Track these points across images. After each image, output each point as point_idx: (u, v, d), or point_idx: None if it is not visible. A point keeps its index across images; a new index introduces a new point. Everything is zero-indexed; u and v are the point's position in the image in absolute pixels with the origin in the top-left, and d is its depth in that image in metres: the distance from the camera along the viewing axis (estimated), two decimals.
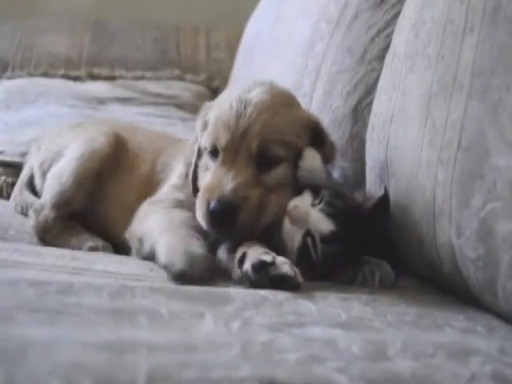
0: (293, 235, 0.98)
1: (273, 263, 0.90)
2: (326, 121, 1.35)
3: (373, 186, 1.18)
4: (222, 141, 1.02)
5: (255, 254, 0.93)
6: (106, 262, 0.99)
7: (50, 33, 2.58)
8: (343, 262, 0.97)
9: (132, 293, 0.80)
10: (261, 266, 0.90)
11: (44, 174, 1.34)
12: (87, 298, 0.77)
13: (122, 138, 1.32)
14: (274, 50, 1.76)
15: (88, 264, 0.96)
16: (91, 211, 1.28)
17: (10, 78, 2.42)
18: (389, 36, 1.27)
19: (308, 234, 0.97)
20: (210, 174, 1.04)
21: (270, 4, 2.04)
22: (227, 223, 0.99)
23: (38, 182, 1.39)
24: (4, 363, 0.57)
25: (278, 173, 1.04)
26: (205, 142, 1.06)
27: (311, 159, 1.05)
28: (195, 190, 1.09)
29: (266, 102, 1.04)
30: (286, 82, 1.55)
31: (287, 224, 0.99)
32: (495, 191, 0.82)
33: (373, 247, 0.99)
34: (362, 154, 1.26)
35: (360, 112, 1.30)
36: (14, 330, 0.64)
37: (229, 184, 0.99)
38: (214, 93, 2.30)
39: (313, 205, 0.99)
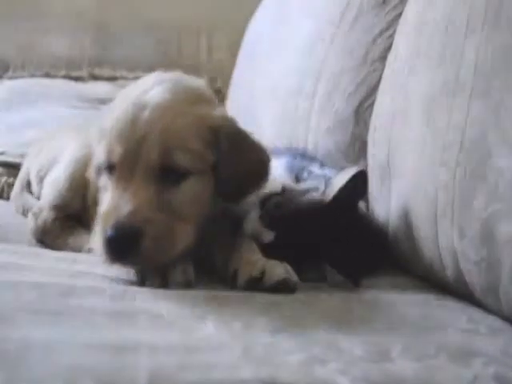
0: None
1: (264, 275, 0.88)
2: (327, 122, 1.35)
3: (374, 188, 1.17)
4: (117, 154, 0.87)
5: (246, 269, 0.90)
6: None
7: (52, 33, 2.57)
8: (297, 263, 0.95)
9: (133, 295, 0.80)
10: (254, 282, 0.89)
11: (41, 181, 1.33)
12: (88, 299, 0.76)
13: None
14: (276, 51, 1.76)
15: (89, 267, 0.96)
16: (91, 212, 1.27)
17: (11, 78, 2.41)
18: (391, 37, 1.27)
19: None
20: (108, 196, 0.89)
21: (271, 5, 2.04)
22: (127, 253, 0.84)
23: (34, 189, 1.37)
24: (5, 365, 0.57)
25: (186, 189, 0.89)
26: (100, 157, 0.91)
27: None
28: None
29: (166, 103, 0.90)
30: (287, 83, 1.56)
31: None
32: (497, 192, 0.82)
33: (344, 239, 0.97)
34: (364, 156, 1.26)
35: (362, 113, 1.30)
36: (14, 332, 0.64)
37: (125, 207, 0.83)
38: (216, 94, 2.30)
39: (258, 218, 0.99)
